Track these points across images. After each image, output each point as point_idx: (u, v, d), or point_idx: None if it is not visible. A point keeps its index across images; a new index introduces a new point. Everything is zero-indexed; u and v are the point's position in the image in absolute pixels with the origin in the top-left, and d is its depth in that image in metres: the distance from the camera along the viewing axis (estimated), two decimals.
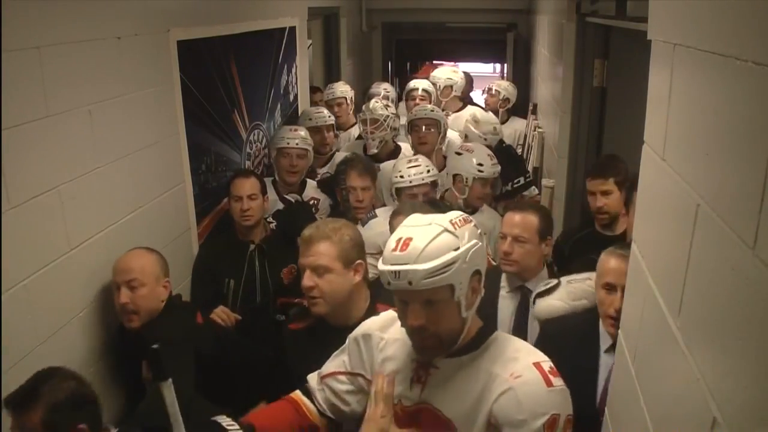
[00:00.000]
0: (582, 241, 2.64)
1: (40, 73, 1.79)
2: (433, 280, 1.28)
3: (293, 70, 3.93)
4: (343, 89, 4.40)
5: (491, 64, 10.81)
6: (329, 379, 1.59)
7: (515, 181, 3.43)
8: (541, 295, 2.08)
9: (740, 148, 0.82)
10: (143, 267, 2.08)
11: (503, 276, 2.28)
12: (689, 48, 1.04)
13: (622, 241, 2.27)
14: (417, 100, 4.35)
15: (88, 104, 2.02)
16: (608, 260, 1.79)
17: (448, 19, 6.76)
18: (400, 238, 1.33)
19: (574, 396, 1.38)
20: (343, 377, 1.57)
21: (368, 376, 1.52)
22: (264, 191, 2.79)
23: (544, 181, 3.77)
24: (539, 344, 1.99)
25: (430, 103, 4.24)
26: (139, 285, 2.04)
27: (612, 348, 1.74)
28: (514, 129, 4.95)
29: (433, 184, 2.82)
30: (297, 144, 3.19)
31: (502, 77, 7.60)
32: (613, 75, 3.15)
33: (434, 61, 9.08)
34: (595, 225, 2.69)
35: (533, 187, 3.69)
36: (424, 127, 3.47)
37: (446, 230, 1.33)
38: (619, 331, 1.51)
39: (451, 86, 4.60)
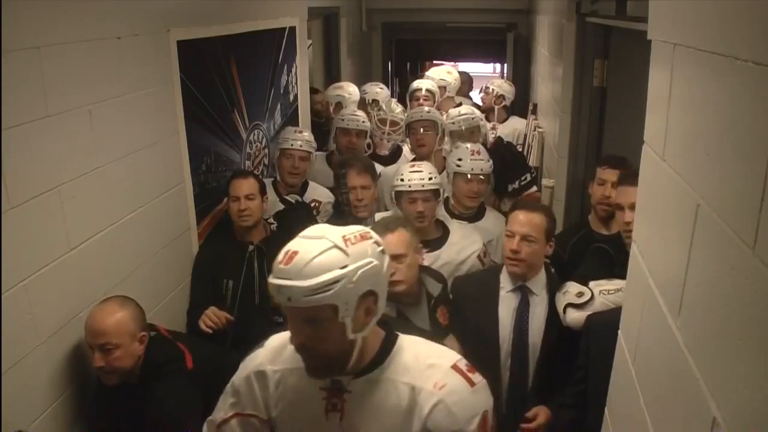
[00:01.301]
0: (579, 243, 2.63)
1: (40, 73, 1.79)
2: (314, 298, 1.20)
3: (293, 70, 3.93)
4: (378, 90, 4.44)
5: (491, 64, 10.82)
6: (226, 426, 1.46)
7: (522, 178, 3.39)
8: (575, 306, 2.08)
9: (740, 148, 0.82)
10: (117, 328, 1.92)
11: (503, 275, 2.28)
12: (689, 48, 1.04)
13: (618, 241, 2.29)
14: (421, 101, 4.32)
15: (88, 104, 2.02)
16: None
17: (448, 19, 6.76)
18: (287, 251, 1.25)
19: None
20: (235, 421, 1.46)
21: (263, 416, 1.43)
22: (263, 192, 2.78)
23: (544, 181, 3.77)
24: (587, 340, 2.00)
25: (434, 103, 4.24)
26: (114, 347, 1.91)
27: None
28: (513, 128, 4.95)
29: (435, 194, 2.65)
30: (300, 146, 3.19)
31: (502, 77, 7.61)
32: (613, 75, 3.15)
33: (435, 61, 9.08)
34: (590, 225, 2.69)
35: (534, 186, 3.69)
36: (421, 129, 3.46)
37: (336, 246, 1.24)
38: (619, 332, 1.51)
39: (445, 87, 4.61)
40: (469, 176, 2.85)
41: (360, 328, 1.29)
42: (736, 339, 0.80)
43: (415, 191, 2.62)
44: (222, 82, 3.04)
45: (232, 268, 2.69)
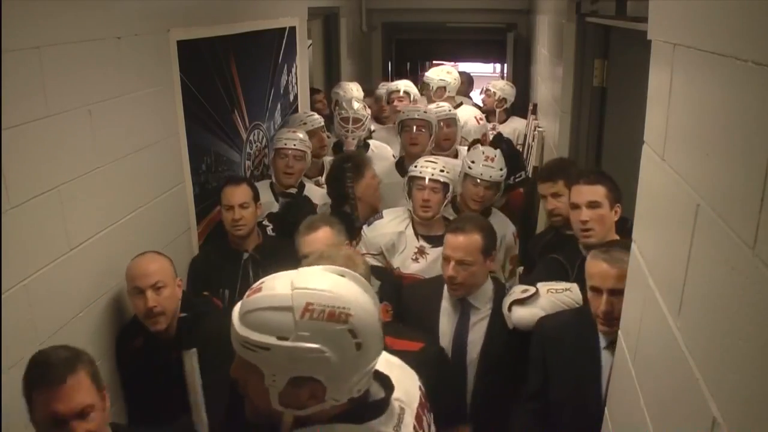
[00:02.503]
0: (549, 244, 2.64)
1: (40, 73, 1.79)
2: (242, 349, 1.06)
3: (293, 70, 3.93)
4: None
5: (491, 64, 10.81)
6: None
7: (517, 174, 3.42)
8: (518, 302, 2.07)
9: (740, 148, 0.82)
10: (163, 269, 2.12)
11: (446, 287, 2.22)
12: (689, 48, 1.04)
13: (571, 250, 2.32)
14: (395, 102, 4.35)
15: (88, 104, 2.02)
16: (592, 263, 1.82)
17: (448, 19, 6.76)
18: (261, 282, 1.11)
19: (579, 393, 1.36)
20: None
21: None
22: (257, 198, 2.70)
23: None
24: (535, 343, 2.01)
25: (410, 102, 4.25)
26: (164, 286, 2.08)
27: (610, 346, 1.74)
28: (513, 128, 4.96)
29: (444, 187, 2.72)
30: (294, 145, 3.16)
31: (502, 77, 7.61)
32: (613, 75, 3.15)
33: (435, 61, 9.08)
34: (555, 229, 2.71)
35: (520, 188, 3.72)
36: (415, 128, 3.47)
37: (290, 310, 1.03)
38: (619, 331, 1.51)
39: (444, 87, 4.61)
40: (477, 180, 2.87)
41: (294, 405, 1.09)
42: (736, 339, 0.80)
43: (424, 179, 2.71)
44: (222, 82, 3.04)
45: (227, 277, 2.63)
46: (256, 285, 1.11)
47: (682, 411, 0.98)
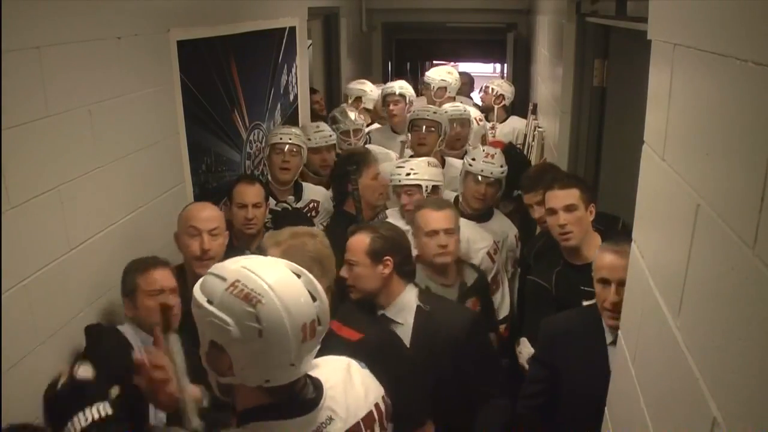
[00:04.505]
0: (543, 248, 2.65)
1: (40, 73, 1.79)
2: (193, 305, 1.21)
3: (293, 70, 3.93)
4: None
5: (491, 64, 10.81)
6: None
7: None
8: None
9: (740, 148, 0.82)
10: (221, 218, 2.25)
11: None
12: (689, 48, 1.04)
13: (557, 246, 2.35)
14: (390, 106, 4.29)
15: (88, 104, 2.02)
16: (601, 256, 1.83)
17: (448, 19, 6.76)
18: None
19: (587, 389, 1.35)
20: None
21: None
22: (267, 198, 2.73)
23: None
24: (541, 343, 2.01)
25: (405, 106, 4.24)
26: (219, 234, 2.19)
27: (616, 341, 1.75)
28: (513, 128, 4.96)
29: (434, 189, 2.78)
30: (290, 140, 3.12)
31: (502, 77, 7.60)
32: (613, 75, 3.15)
33: (435, 61, 9.08)
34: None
35: None
36: (424, 128, 3.47)
37: (222, 281, 1.17)
38: (619, 332, 1.51)
39: (445, 87, 4.60)
40: (479, 178, 2.87)
41: (216, 369, 1.21)
42: (736, 339, 0.80)
43: (403, 185, 2.77)
44: (222, 82, 3.04)
45: None
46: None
47: (682, 411, 0.98)
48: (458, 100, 4.74)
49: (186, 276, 2.19)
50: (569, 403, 1.91)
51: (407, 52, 8.64)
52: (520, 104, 5.39)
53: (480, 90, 5.60)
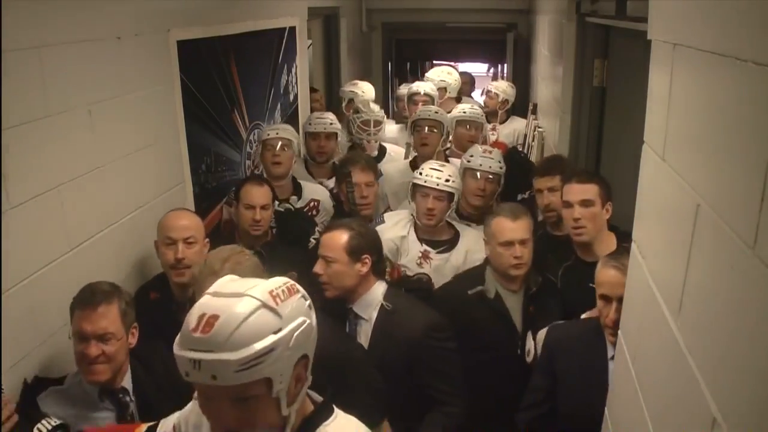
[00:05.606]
0: (537, 243, 2.63)
1: (40, 73, 1.79)
2: (246, 373, 1.01)
3: (293, 70, 3.93)
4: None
5: (485, 65, 10.82)
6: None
7: (531, 190, 3.36)
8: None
9: (740, 148, 0.82)
10: (199, 227, 2.23)
11: None
12: (689, 48, 1.04)
13: (568, 241, 2.34)
14: (419, 105, 4.29)
15: (88, 104, 2.02)
16: (603, 271, 1.79)
17: (448, 19, 6.75)
18: (203, 315, 1.03)
19: (586, 403, 1.34)
20: None
21: None
22: (273, 199, 2.71)
23: None
24: (544, 352, 2.00)
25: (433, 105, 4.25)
26: (195, 242, 2.17)
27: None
28: (513, 128, 4.95)
29: (449, 197, 2.64)
30: (277, 134, 3.09)
31: (495, 78, 7.59)
32: (613, 75, 3.15)
33: (435, 61, 9.08)
34: (546, 227, 2.70)
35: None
36: (426, 128, 3.47)
37: (264, 305, 1.04)
38: (620, 332, 1.51)
39: (445, 88, 4.60)
40: (478, 174, 2.84)
41: (292, 401, 1.11)
42: (736, 339, 0.80)
43: (429, 188, 2.63)
44: (222, 82, 3.04)
45: None
46: (200, 321, 1.03)
47: (682, 411, 0.98)
48: (463, 101, 4.74)
49: (169, 284, 2.22)
50: (567, 415, 1.90)
51: (407, 52, 8.62)
52: (520, 104, 5.38)
53: (482, 92, 5.59)
